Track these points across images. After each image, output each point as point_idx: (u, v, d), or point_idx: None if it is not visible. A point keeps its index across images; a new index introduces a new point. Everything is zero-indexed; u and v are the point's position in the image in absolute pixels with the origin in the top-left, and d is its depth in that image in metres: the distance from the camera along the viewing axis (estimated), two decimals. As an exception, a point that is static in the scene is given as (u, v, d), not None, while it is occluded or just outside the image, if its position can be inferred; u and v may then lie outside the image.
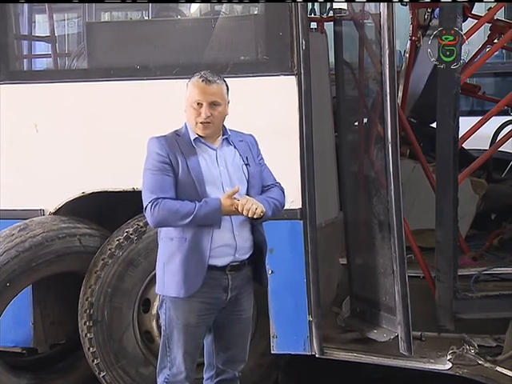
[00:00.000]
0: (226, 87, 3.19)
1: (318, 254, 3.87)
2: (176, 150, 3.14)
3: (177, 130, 3.24)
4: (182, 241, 3.14)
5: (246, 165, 3.23)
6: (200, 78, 3.14)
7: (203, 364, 3.45)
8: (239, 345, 3.37)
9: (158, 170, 3.12)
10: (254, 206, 3.06)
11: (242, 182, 3.20)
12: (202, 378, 3.46)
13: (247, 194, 3.18)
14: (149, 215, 3.12)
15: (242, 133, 3.33)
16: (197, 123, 3.14)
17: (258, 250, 3.27)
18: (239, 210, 3.06)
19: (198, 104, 3.12)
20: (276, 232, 3.48)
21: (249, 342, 3.44)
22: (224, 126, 3.24)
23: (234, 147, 3.25)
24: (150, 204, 3.10)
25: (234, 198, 3.09)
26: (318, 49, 4.31)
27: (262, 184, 3.27)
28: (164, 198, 3.09)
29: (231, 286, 3.22)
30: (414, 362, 3.93)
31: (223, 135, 3.24)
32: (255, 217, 3.08)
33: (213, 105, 3.13)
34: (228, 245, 3.17)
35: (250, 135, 3.35)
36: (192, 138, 3.18)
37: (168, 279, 3.19)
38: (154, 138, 3.18)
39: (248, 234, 3.23)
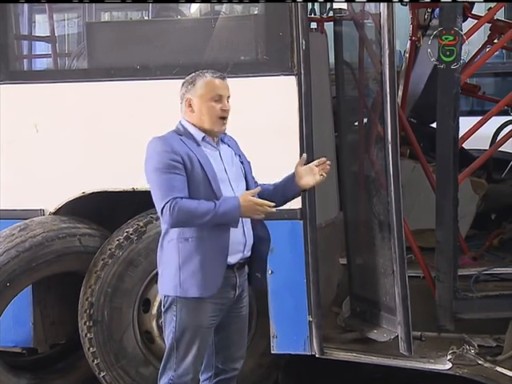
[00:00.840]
0: None
1: (317, 254, 3.87)
2: (185, 148, 3.11)
3: (175, 130, 3.21)
4: (201, 240, 3.10)
5: (241, 162, 3.26)
6: (213, 74, 3.18)
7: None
8: (238, 342, 3.37)
9: (170, 168, 3.06)
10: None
11: (242, 179, 3.24)
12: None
13: (246, 189, 3.20)
14: (167, 216, 3.04)
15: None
16: (218, 118, 3.15)
17: (259, 245, 3.27)
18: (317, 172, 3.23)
19: (218, 97, 3.15)
20: (276, 232, 3.47)
21: (246, 339, 3.44)
22: None
23: (228, 146, 3.27)
24: (168, 204, 3.02)
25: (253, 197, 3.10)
26: (318, 49, 4.31)
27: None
28: (181, 198, 3.04)
29: (238, 283, 3.22)
30: (413, 362, 3.93)
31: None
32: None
33: (227, 99, 3.18)
34: (240, 242, 3.18)
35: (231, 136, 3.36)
36: (201, 137, 3.17)
37: (186, 280, 3.12)
38: (157, 139, 3.14)
39: (252, 231, 3.24)
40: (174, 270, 3.15)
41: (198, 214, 3.04)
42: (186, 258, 3.12)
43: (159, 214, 3.08)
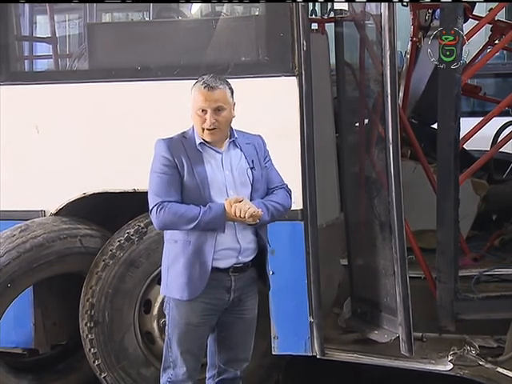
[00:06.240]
0: (229, 90, 3.17)
1: (318, 255, 3.87)
2: (182, 153, 3.14)
3: (184, 132, 3.23)
4: (187, 244, 3.15)
5: (250, 168, 3.22)
6: (202, 84, 3.12)
7: (206, 364, 3.46)
8: (241, 344, 3.39)
9: (164, 172, 3.13)
10: (247, 206, 3.05)
11: (246, 186, 3.20)
12: (205, 378, 3.47)
13: (250, 197, 3.19)
14: (154, 218, 3.13)
15: (251, 134, 3.32)
16: (203, 130, 3.14)
17: (261, 252, 3.28)
18: (236, 212, 3.04)
19: (202, 111, 3.12)
20: (277, 233, 3.48)
21: (252, 342, 3.45)
22: (231, 127, 3.24)
23: (241, 150, 3.24)
24: (155, 207, 3.11)
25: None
26: (319, 50, 4.31)
27: (266, 187, 3.26)
28: (170, 202, 3.10)
29: (234, 287, 3.23)
30: (414, 363, 3.93)
31: (230, 138, 3.23)
32: (247, 216, 3.04)
33: (217, 110, 3.12)
34: (231, 248, 3.18)
35: (259, 136, 3.34)
36: (197, 143, 3.18)
37: (171, 281, 3.21)
38: (160, 141, 3.18)
39: (252, 236, 3.23)
40: (165, 269, 3.26)
41: (183, 220, 3.09)
42: (173, 259, 3.21)
43: (150, 214, 3.16)
